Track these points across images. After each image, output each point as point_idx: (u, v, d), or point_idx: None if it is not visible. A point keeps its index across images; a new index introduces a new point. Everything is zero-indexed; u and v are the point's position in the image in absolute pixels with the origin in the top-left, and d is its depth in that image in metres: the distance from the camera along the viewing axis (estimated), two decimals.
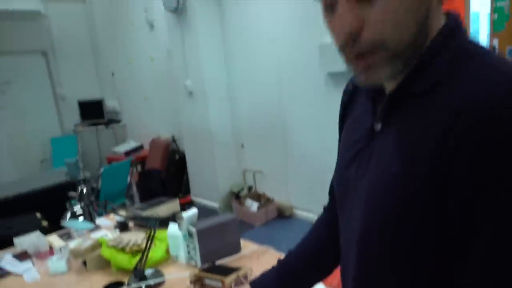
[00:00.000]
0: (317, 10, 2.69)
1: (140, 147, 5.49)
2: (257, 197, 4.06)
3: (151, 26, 4.91)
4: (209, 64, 4.09)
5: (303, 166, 3.71)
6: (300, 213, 3.83)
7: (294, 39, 3.50)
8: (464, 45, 0.56)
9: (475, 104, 0.48)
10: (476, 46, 0.56)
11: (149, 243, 1.42)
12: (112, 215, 2.12)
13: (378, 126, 0.62)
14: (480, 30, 2.56)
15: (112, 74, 5.86)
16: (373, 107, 0.65)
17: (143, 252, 1.42)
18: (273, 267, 0.92)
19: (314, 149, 3.55)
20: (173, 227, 1.62)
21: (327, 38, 3.16)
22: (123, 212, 1.79)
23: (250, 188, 4.28)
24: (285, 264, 0.92)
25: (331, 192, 0.89)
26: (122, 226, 1.86)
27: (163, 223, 1.62)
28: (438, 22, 0.57)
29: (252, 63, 3.94)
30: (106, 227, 1.97)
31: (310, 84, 3.45)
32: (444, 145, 0.49)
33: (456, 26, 0.57)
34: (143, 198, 4.36)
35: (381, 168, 0.59)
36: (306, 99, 3.53)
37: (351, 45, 0.54)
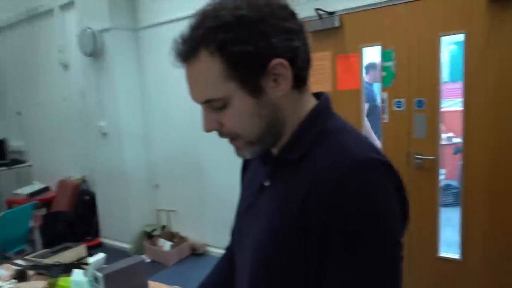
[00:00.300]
0: None
1: (46, 189, 5.15)
2: (171, 236, 4.04)
3: (65, 67, 4.80)
4: (125, 106, 4.12)
5: (217, 205, 3.81)
6: (214, 250, 3.89)
7: None
8: (326, 125, 0.72)
9: (323, 177, 0.63)
10: (335, 124, 0.73)
11: None
12: (9, 264, 2.01)
13: (267, 182, 0.77)
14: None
15: (19, 114, 5.53)
16: (264, 166, 0.80)
17: None
18: None
19: (228, 188, 3.68)
20: (78, 273, 1.60)
21: None
22: (21, 260, 1.71)
23: (163, 228, 4.24)
24: None
25: (233, 233, 1.03)
26: (20, 275, 1.77)
27: (68, 269, 1.60)
28: (307, 105, 0.74)
29: (168, 105, 4.05)
30: (2, 278, 1.86)
31: None
32: (305, 208, 0.64)
33: (324, 107, 0.75)
34: (47, 243, 4.07)
35: (265, 221, 0.73)
36: (221, 141, 3.67)
37: (220, 135, 0.74)
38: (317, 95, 0.78)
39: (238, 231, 0.86)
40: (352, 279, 0.61)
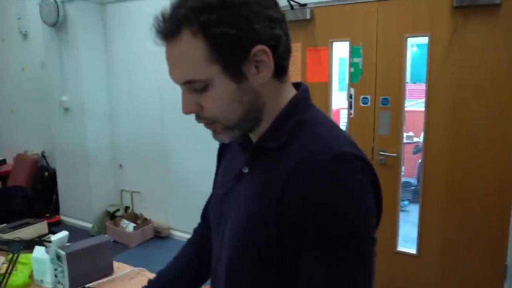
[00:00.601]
0: None
1: (2, 162, 4.95)
2: (134, 217, 4.02)
3: (25, 36, 4.58)
4: (89, 81, 3.99)
5: (182, 188, 3.82)
6: (178, 234, 3.92)
7: None
8: (304, 115, 0.73)
9: (300, 169, 0.65)
10: (313, 115, 0.74)
11: (10, 268, 1.38)
12: None
13: (246, 169, 0.77)
14: (346, 72, 3.02)
15: None
16: (243, 153, 0.80)
17: (3, 277, 1.37)
18: (143, 287, 0.99)
19: (194, 172, 3.69)
20: (39, 250, 1.58)
21: None
22: None
23: (126, 209, 4.21)
24: (156, 282, 1.00)
25: (204, 217, 1.04)
26: None
27: (30, 246, 1.58)
28: (287, 94, 0.75)
29: (136, 83, 3.97)
30: None
31: None
32: (282, 199, 0.66)
33: (302, 98, 0.75)
34: (3, 218, 3.93)
35: (243, 208, 0.74)
36: (188, 124, 3.65)
37: (197, 119, 0.73)
38: (296, 86, 0.79)
39: (215, 217, 0.86)
40: (324, 272, 0.63)
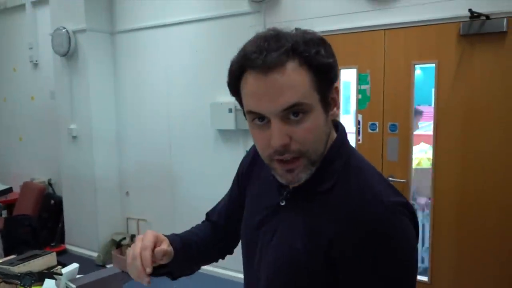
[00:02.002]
0: (211, 74, 3.00)
1: (9, 190, 4.94)
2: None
3: (35, 65, 4.67)
4: (98, 110, 4.04)
5: (189, 216, 3.79)
6: None
7: (186, 95, 3.69)
8: (349, 159, 0.77)
9: (355, 219, 0.69)
10: (358, 160, 0.79)
11: None
12: None
13: (283, 202, 0.80)
14: (351, 97, 3.03)
15: None
16: (278, 186, 0.82)
17: None
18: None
19: (200, 200, 3.66)
20: (49, 283, 1.56)
21: (218, 99, 3.42)
22: None
23: (132, 237, 4.17)
24: (181, 238, 1.01)
25: (208, 219, 1.08)
26: None
27: (40, 278, 1.55)
28: (332, 134, 0.79)
29: (144, 112, 4.00)
30: None
31: (200, 138, 3.64)
32: (336, 241, 0.70)
33: (345, 140, 0.80)
34: (8, 248, 3.90)
35: (287, 242, 0.77)
36: (196, 152, 3.69)
37: (280, 153, 0.71)
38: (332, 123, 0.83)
39: (249, 243, 0.89)
40: None
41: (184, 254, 0.94)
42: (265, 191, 0.87)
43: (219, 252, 1.07)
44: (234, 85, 0.76)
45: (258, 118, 0.72)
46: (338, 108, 0.76)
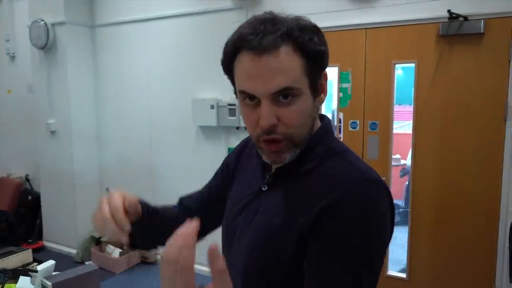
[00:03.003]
0: (193, 70, 2.99)
1: None
2: (120, 243, 3.92)
3: (12, 57, 4.55)
4: (77, 104, 3.96)
5: None
6: None
7: (168, 91, 3.66)
8: (331, 143, 0.82)
9: (337, 185, 0.72)
10: (339, 145, 0.83)
11: None
12: None
13: (265, 187, 0.84)
14: (333, 95, 3.06)
15: None
16: (262, 172, 0.86)
17: None
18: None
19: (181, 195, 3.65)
20: (24, 280, 1.53)
21: (200, 95, 3.40)
22: None
23: None
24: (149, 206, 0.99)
25: (181, 204, 1.10)
26: None
27: (15, 275, 1.53)
28: (317, 122, 0.83)
29: (124, 107, 3.95)
30: None
31: (181, 134, 3.61)
32: (314, 207, 0.72)
33: (329, 127, 0.85)
34: None
35: (266, 220, 0.80)
36: (177, 148, 3.67)
37: (267, 133, 0.74)
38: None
39: (229, 230, 0.90)
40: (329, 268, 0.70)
41: (149, 219, 0.93)
42: (249, 179, 0.90)
43: None
44: (228, 65, 0.78)
45: (249, 98, 0.75)
46: (325, 94, 0.79)
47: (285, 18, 0.74)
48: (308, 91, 0.75)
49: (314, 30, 0.75)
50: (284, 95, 0.72)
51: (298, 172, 0.79)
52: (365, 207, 0.71)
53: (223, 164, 1.04)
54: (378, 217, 0.72)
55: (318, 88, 0.77)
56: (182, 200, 1.11)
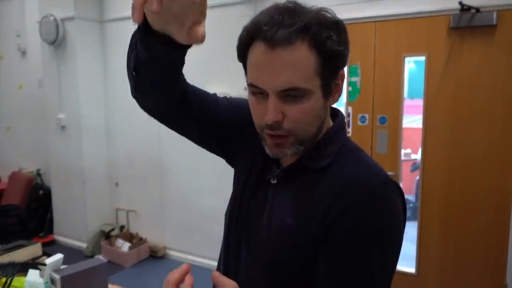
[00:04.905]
0: (201, 64, 2.97)
1: None
2: (129, 237, 3.96)
3: (23, 53, 4.59)
4: (86, 99, 3.98)
5: (178, 208, 3.78)
6: (173, 253, 3.85)
7: None
8: (346, 142, 0.80)
9: (353, 188, 0.71)
10: (353, 144, 0.81)
11: None
12: None
13: (274, 180, 0.81)
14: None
15: None
16: (270, 160, 0.82)
17: None
18: None
19: (190, 191, 3.66)
20: (33, 274, 1.54)
21: (208, 89, 3.39)
22: None
23: (122, 228, 4.15)
24: None
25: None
26: None
27: (24, 269, 1.54)
28: (328, 120, 0.81)
29: (133, 102, 3.91)
30: None
31: None
32: (330, 211, 0.71)
33: (343, 125, 0.82)
34: None
35: (278, 219, 0.77)
36: (185, 143, 3.64)
37: (271, 128, 0.72)
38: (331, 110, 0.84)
39: (234, 218, 0.87)
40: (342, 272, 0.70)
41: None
42: (258, 165, 0.86)
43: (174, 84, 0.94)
44: (243, 52, 0.75)
45: (258, 91, 0.73)
46: (340, 94, 0.76)
47: (306, 10, 0.70)
48: (319, 91, 0.71)
49: (334, 26, 0.71)
50: (292, 93, 0.70)
51: (310, 169, 0.77)
52: (383, 211, 0.71)
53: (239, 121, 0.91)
54: (395, 218, 0.72)
55: (331, 89, 0.74)
56: (191, 88, 1.00)
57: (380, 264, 0.70)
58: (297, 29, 0.67)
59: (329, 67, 0.70)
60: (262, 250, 0.78)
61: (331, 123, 0.81)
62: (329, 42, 0.68)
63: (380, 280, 0.71)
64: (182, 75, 0.92)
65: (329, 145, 0.78)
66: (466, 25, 2.45)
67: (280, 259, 0.75)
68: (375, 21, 2.75)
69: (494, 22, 2.38)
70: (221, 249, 0.92)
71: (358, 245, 0.69)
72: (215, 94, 1.00)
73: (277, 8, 0.70)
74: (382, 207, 0.70)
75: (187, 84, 0.96)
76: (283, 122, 0.71)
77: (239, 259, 0.83)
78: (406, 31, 2.66)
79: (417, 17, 2.61)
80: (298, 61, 0.68)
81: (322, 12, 0.71)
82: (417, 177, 3.07)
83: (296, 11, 0.69)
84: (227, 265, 0.88)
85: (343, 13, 2.97)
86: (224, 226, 0.92)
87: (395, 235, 0.72)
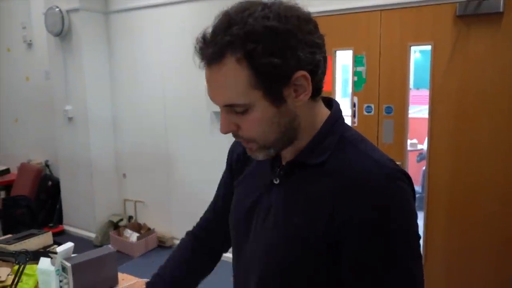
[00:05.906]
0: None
1: (6, 171, 4.97)
2: (137, 227, 4.01)
3: (29, 45, 4.62)
4: (93, 91, 4.01)
5: (186, 197, 3.82)
6: None
7: (182, 77, 3.65)
8: (344, 133, 0.76)
9: (357, 185, 0.68)
10: (352, 134, 0.77)
11: (16, 279, 1.38)
12: None
13: (277, 180, 0.80)
14: (349, 80, 3.03)
15: None
16: (272, 164, 0.82)
17: None
18: None
19: (197, 181, 3.69)
20: (44, 262, 1.58)
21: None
22: None
23: (130, 218, 4.21)
24: (159, 280, 1.04)
25: (214, 210, 1.08)
26: None
27: (36, 257, 1.57)
28: (321, 112, 0.78)
29: (139, 93, 3.98)
30: None
31: (196, 120, 3.63)
32: (335, 212, 0.69)
33: (339, 116, 0.79)
34: (7, 228, 3.95)
35: (284, 219, 0.76)
36: (191, 134, 3.69)
37: (233, 136, 0.75)
38: (325, 100, 0.82)
39: (240, 224, 0.87)
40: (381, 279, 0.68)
41: None
42: (259, 170, 0.87)
43: (210, 261, 1.10)
44: None
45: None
46: (308, 93, 0.71)
47: (241, 20, 0.65)
48: (262, 102, 0.68)
49: (268, 36, 0.64)
50: (234, 108, 0.70)
51: (308, 166, 0.75)
52: (392, 207, 0.68)
53: (228, 157, 1.02)
54: (407, 209, 0.70)
55: (281, 95, 0.69)
56: (195, 232, 1.13)
57: (407, 255, 0.69)
58: (223, 45, 0.65)
59: (268, 78, 0.67)
60: (273, 252, 0.77)
61: (325, 115, 0.78)
62: (256, 54, 0.64)
63: (414, 266, 0.70)
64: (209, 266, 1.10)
65: (325, 138, 0.75)
66: (472, 13, 2.43)
67: (291, 260, 0.74)
68: (381, 10, 2.73)
69: (501, 9, 2.35)
70: (232, 253, 0.93)
71: (379, 251, 0.67)
72: (215, 196, 1.09)
73: (217, 19, 0.69)
74: (390, 203, 0.67)
75: (211, 243, 1.09)
76: (239, 131, 0.73)
77: (249, 265, 0.83)
78: (411, 19, 2.64)
79: (423, 5, 2.59)
80: (228, 78, 0.67)
81: (259, 20, 0.65)
82: (423, 168, 3.07)
83: (230, 23, 0.65)
84: (238, 273, 0.91)
85: (349, 2, 2.95)
86: (231, 233, 0.92)
87: (411, 222, 0.70)
